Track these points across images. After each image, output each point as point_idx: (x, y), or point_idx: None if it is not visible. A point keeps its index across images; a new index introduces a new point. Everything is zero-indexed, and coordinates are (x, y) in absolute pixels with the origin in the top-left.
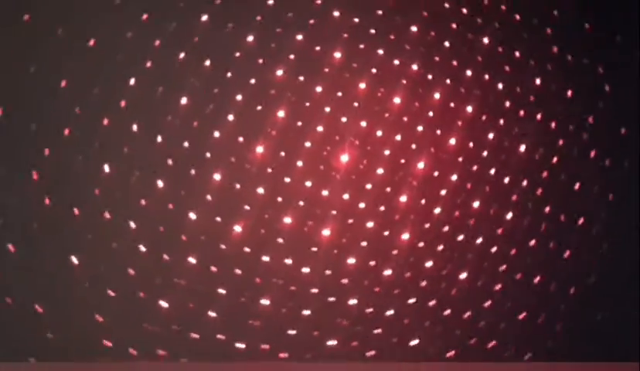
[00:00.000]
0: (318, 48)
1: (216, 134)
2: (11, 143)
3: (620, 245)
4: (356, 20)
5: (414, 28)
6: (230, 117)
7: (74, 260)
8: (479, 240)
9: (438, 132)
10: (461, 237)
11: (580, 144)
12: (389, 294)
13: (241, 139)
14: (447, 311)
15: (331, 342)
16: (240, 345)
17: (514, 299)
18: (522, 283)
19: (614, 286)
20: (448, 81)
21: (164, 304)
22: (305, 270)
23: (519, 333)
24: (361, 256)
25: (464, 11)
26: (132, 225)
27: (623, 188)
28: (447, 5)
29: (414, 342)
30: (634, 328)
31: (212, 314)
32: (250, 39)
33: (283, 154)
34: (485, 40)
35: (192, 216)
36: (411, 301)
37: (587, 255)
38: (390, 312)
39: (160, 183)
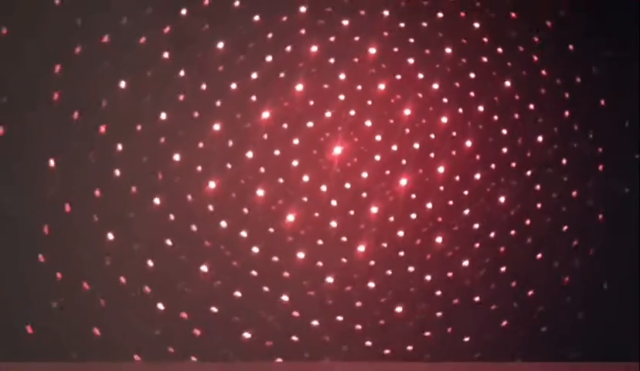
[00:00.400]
0: (357, 38)
1: (233, 85)
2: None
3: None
4: (402, 25)
5: (449, 50)
6: (254, 75)
7: (51, 162)
8: (428, 277)
9: (432, 155)
10: (411, 269)
11: (557, 215)
12: (322, 303)
13: (253, 98)
14: (369, 343)
15: (247, 334)
16: (161, 307)
17: (436, 352)
18: (451, 338)
19: (614, 287)
20: (460, 110)
21: (110, 236)
22: (255, 249)
23: None
24: (311, 254)
25: (499, 50)
26: (119, 147)
27: (584, 271)
28: (485, 40)
29: (324, 362)
30: (634, 328)
31: (150, 263)
32: (303, 9)
33: (285, 126)
34: (507, 83)
35: (176, 157)
36: (339, 318)
37: (523, 331)
38: (315, 323)
39: (163, 115)
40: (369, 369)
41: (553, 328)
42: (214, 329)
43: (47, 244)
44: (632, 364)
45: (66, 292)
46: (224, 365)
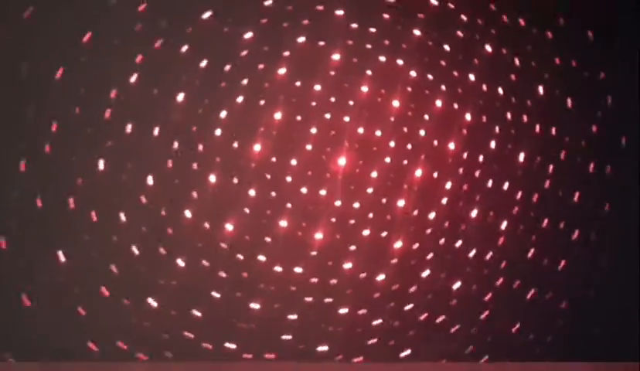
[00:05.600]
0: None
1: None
2: None
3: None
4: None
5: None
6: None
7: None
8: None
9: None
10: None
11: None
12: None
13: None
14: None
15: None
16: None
17: None
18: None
19: (614, 288)
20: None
21: None
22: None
23: None
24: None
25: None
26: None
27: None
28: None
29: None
30: (634, 328)
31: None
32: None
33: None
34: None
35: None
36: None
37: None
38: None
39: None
40: (370, 369)
41: (553, 328)
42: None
43: None
44: (632, 364)
45: None
46: (222, 364)
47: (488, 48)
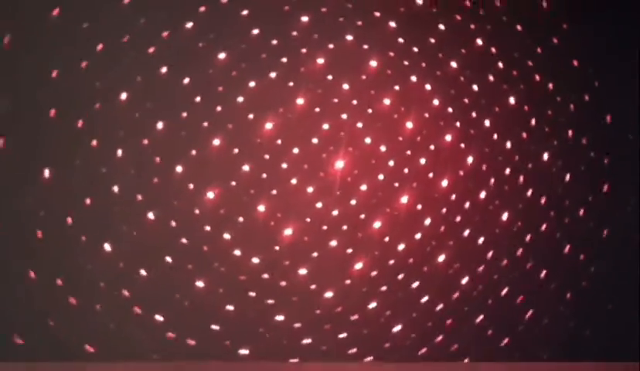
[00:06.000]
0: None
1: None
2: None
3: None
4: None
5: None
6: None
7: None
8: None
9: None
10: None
11: None
12: None
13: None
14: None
15: None
16: None
17: None
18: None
19: (614, 286)
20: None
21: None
22: None
23: None
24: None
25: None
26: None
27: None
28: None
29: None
30: (634, 328)
31: None
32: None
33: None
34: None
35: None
36: None
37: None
38: None
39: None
40: (369, 369)
41: (553, 329)
42: None
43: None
44: (632, 364)
45: None
46: (227, 364)
47: (512, 100)
